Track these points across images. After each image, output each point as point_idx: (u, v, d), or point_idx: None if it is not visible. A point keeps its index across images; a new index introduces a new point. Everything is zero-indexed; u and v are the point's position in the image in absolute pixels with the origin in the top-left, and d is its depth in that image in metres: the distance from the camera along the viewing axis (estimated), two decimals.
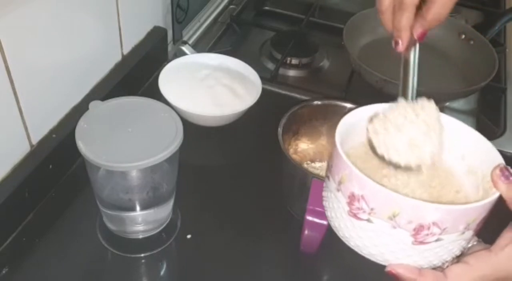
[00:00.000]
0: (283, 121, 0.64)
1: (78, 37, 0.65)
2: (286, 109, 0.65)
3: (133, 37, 0.79)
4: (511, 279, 0.41)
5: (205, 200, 0.68)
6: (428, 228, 0.40)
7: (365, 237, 0.43)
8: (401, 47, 0.51)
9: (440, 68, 0.90)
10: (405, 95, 0.49)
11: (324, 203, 0.48)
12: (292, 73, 0.92)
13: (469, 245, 0.44)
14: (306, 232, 0.54)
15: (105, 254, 0.61)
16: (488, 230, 0.43)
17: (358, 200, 0.41)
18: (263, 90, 0.76)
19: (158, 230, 0.63)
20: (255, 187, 0.69)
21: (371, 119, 0.47)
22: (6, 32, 0.53)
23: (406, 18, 0.50)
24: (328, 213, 0.47)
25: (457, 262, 0.43)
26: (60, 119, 0.66)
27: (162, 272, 0.61)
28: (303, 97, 0.81)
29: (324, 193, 0.48)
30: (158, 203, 0.61)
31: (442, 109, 0.50)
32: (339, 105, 0.67)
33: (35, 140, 0.63)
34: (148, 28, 0.82)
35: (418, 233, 0.40)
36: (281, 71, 0.90)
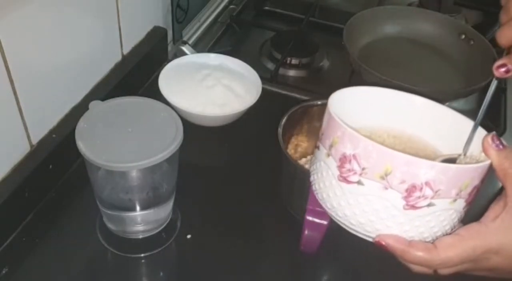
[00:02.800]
0: (283, 121, 0.64)
1: (78, 37, 0.65)
2: (286, 109, 0.65)
3: (133, 37, 0.79)
4: (502, 250, 0.41)
5: (205, 200, 0.68)
6: (421, 189, 0.39)
7: (355, 204, 0.42)
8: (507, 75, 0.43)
9: (440, 68, 0.89)
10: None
11: (311, 178, 0.47)
12: (292, 73, 0.92)
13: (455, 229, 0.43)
14: (306, 232, 0.54)
15: (105, 254, 0.61)
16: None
17: (350, 161, 0.40)
18: (263, 90, 0.76)
19: (158, 230, 0.63)
20: (255, 187, 0.69)
21: None
22: (6, 32, 0.53)
23: None
24: (315, 186, 0.46)
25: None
26: (60, 119, 0.66)
27: (162, 272, 0.61)
28: (303, 97, 0.81)
29: (311, 168, 0.47)
30: (158, 203, 0.61)
31: None
32: None
33: (35, 140, 0.63)
34: (148, 28, 0.82)
35: (410, 195, 0.39)
36: (281, 71, 0.90)
